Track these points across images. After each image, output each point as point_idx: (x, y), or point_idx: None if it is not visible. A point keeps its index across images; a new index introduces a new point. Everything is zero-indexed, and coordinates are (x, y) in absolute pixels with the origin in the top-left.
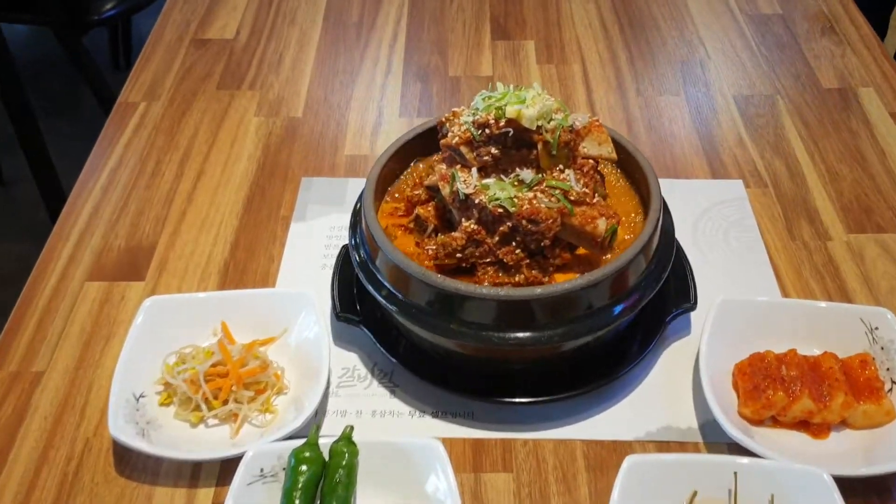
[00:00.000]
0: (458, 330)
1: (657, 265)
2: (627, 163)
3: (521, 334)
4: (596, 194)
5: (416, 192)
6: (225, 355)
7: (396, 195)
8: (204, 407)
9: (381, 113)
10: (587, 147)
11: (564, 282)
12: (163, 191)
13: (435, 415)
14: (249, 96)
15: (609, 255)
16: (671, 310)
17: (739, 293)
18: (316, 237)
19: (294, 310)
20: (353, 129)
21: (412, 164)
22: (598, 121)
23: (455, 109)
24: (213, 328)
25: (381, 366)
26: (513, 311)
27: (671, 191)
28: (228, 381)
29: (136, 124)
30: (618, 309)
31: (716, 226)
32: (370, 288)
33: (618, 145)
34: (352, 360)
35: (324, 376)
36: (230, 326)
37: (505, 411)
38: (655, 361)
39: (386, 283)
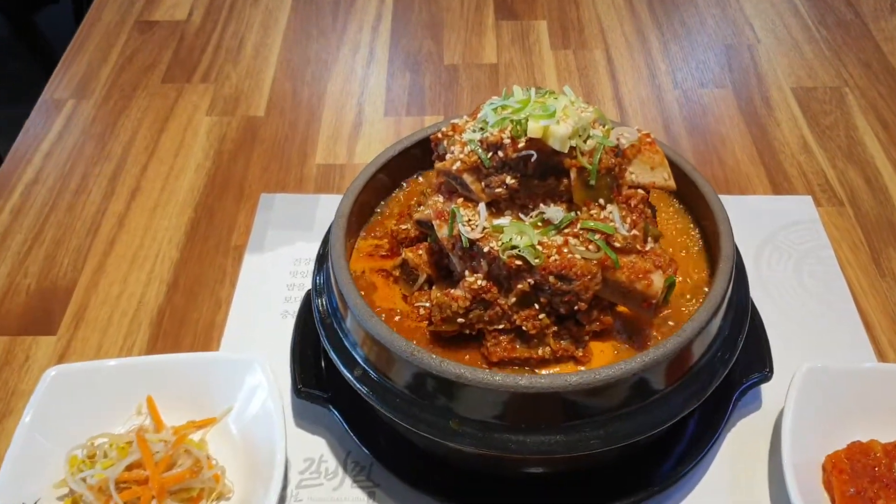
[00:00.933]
0: (460, 431)
1: (731, 332)
2: (682, 189)
3: (546, 438)
4: (648, 236)
5: (404, 227)
6: (145, 455)
7: (377, 229)
8: None
9: (361, 111)
10: (636, 173)
11: (611, 366)
12: (88, 213)
13: None
14: (201, 91)
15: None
16: (740, 381)
17: (822, 353)
18: (276, 274)
19: (241, 381)
20: (327, 132)
21: (399, 188)
22: (649, 136)
23: (455, 121)
24: (137, 404)
25: (357, 456)
26: (537, 407)
27: None
28: (148, 492)
29: (60, 128)
30: (681, 398)
31: (783, 257)
32: (338, 363)
33: (673, 167)
34: (317, 447)
35: (279, 473)
36: (159, 402)
37: None
38: (717, 449)
39: (359, 359)
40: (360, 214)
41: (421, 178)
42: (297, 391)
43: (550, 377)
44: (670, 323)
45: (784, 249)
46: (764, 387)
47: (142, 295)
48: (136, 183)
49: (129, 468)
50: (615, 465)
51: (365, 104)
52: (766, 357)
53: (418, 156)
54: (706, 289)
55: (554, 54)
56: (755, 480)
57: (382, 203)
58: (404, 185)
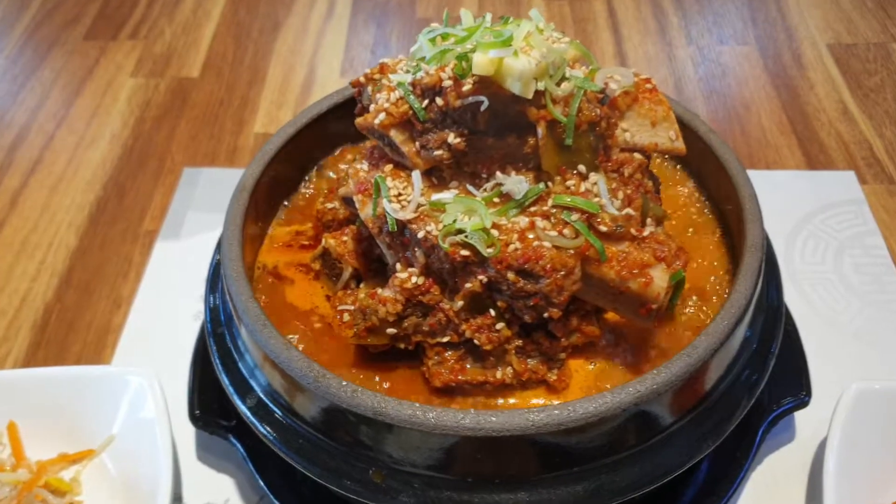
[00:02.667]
0: (384, 486)
1: (760, 345)
2: (694, 156)
3: (503, 497)
4: (647, 217)
5: (331, 206)
6: None
7: (303, 212)
8: None
9: (313, 71)
10: (631, 130)
11: (594, 398)
12: None
13: None
14: (128, 49)
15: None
16: (769, 407)
17: (870, 369)
18: (192, 266)
19: (128, 404)
20: (271, 96)
21: (330, 156)
22: (650, 81)
23: (385, 61)
24: None
25: (272, 499)
26: (490, 456)
27: None
28: None
29: None
30: (692, 438)
31: (821, 246)
32: (228, 388)
33: (682, 127)
34: (223, 488)
35: None
36: (25, 429)
37: None
38: (739, 495)
39: (254, 385)
40: (273, 190)
41: (348, 157)
42: (193, 417)
43: (507, 415)
44: (686, 333)
45: (821, 237)
46: (798, 413)
47: (27, 291)
48: (38, 154)
49: None
50: None
51: (318, 63)
52: (802, 376)
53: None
54: (726, 290)
55: (546, 5)
56: None
57: (308, 175)
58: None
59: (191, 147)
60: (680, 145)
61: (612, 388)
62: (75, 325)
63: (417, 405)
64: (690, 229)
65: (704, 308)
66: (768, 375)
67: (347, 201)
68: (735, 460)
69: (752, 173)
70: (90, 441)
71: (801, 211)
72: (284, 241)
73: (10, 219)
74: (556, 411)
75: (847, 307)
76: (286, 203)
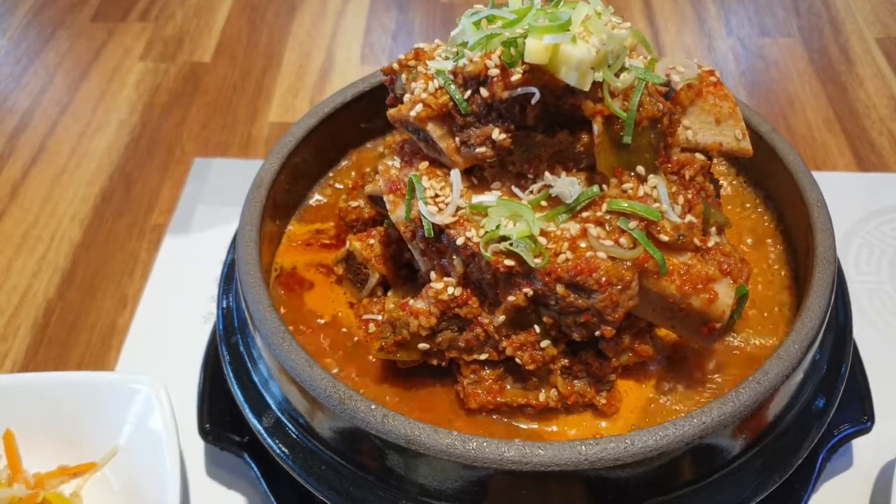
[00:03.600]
0: None
1: (829, 369)
2: (754, 158)
3: None
4: (709, 225)
5: (354, 204)
6: None
7: (324, 209)
8: None
9: (331, 57)
10: (694, 128)
11: (652, 430)
12: None
13: None
14: (137, 32)
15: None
16: (831, 433)
17: None
18: (202, 261)
19: (133, 413)
20: (287, 82)
21: (354, 149)
22: (714, 74)
23: (420, 46)
24: None
25: None
26: (534, 491)
27: None
28: None
29: None
30: (756, 473)
31: (875, 253)
32: (243, 405)
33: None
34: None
35: None
36: (23, 439)
37: None
38: None
39: (271, 402)
40: (292, 185)
41: (389, 138)
42: (203, 431)
43: (556, 447)
44: (735, 351)
45: (876, 244)
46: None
47: (27, 288)
48: (41, 142)
49: None
50: None
51: (337, 48)
52: (864, 399)
53: (381, 108)
54: (786, 304)
55: None
56: None
57: (329, 172)
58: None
59: (202, 136)
60: (747, 145)
61: (674, 419)
62: (78, 324)
63: (456, 434)
64: (748, 242)
65: (760, 326)
66: (838, 401)
67: (375, 200)
68: (793, 491)
69: None
70: (92, 453)
71: (853, 216)
72: (303, 239)
73: (10, 210)
74: (612, 444)
75: None
76: (305, 199)
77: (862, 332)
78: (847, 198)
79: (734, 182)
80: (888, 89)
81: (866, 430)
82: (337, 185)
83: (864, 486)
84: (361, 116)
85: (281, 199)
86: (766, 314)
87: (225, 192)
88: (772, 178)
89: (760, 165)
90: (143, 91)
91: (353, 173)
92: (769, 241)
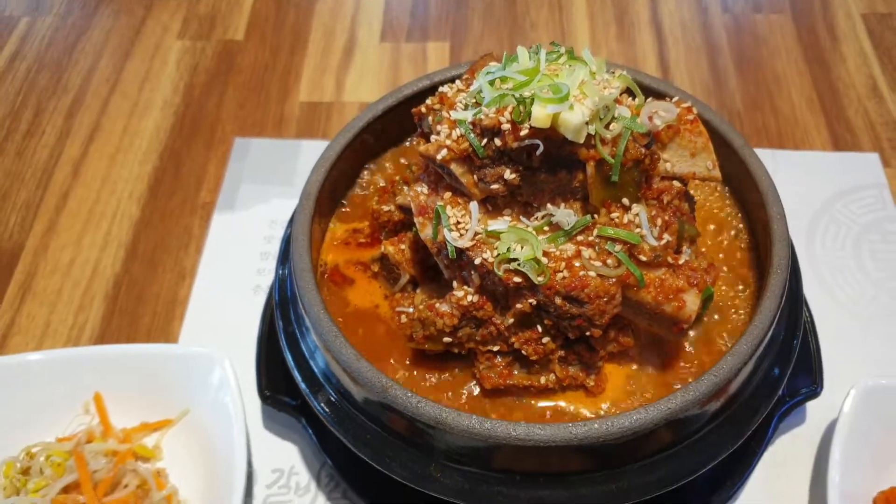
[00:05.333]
0: (441, 479)
1: (783, 344)
2: (729, 168)
3: (545, 493)
4: (682, 242)
5: (386, 209)
6: (82, 477)
7: (357, 209)
8: None
9: (353, 36)
10: (672, 161)
11: (629, 414)
12: (40, 159)
13: None
14: (173, 9)
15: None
16: (783, 399)
17: (883, 360)
18: (248, 238)
19: (201, 379)
20: (314, 61)
21: (386, 152)
22: (691, 112)
23: (443, 90)
24: (84, 402)
25: (333, 469)
26: (535, 460)
27: (773, 169)
28: None
29: (11, 52)
30: (716, 442)
31: (841, 231)
32: (300, 383)
33: (721, 143)
34: (288, 457)
35: (240, 489)
36: (109, 399)
37: None
38: (751, 473)
39: (324, 382)
40: (334, 190)
41: (411, 145)
42: (263, 396)
43: (553, 428)
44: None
45: (843, 222)
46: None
47: (97, 262)
48: (95, 121)
49: (67, 489)
50: None
51: (359, 27)
52: (815, 368)
53: (407, 118)
54: (751, 298)
55: None
56: None
57: (363, 171)
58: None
59: (239, 116)
60: (716, 174)
61: (646, 405)
62: (144, 296)
63: (474, 417)
64: (711, 226)
65: (731, 313)
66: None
67: (405, 210)
68: (749, 448)
69: (779, 154)
70: (168, 412)
71: (824, 194)
72: (342, 238)
73: (74, 189)
74: (596, 425)
75: (862, 294)
76: (342, 202)
77: (822, 305)
78: (821, 177)
79: (718, 188)
80: (868, 68)
81: (816, 395)
82: (365, 188)
83: (812, 441)
84: (388, 128)
85: (324, 205)
86: (733, 294)
87: (264, 171)
88: (744, 189)
89: (735, 175)
90: (183, 70)
91: (386, 169)
92: (735, 234)
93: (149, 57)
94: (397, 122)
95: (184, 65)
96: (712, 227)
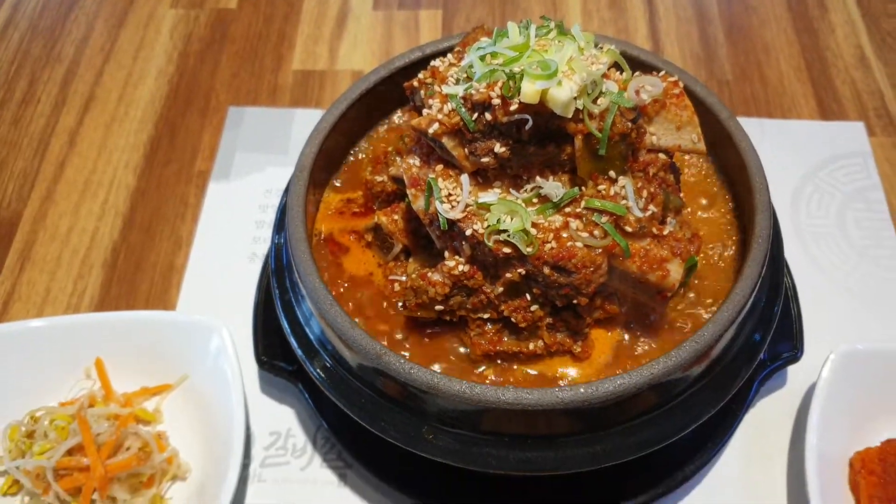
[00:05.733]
0: (434, 442)
1: (764, 309)
2: (714, 139)
3: (533, 455)
4: (667, 213)
5: (379, 179)
6: (86, 440)
7: (351, 179)
8: None
9: (346, 3)
10: (658, 134)
11: (613, 380)
12: (36, 128)
13: None
14: None
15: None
16: (763, 364)
17: (861, 325)
18: (243, 207)
19: (199, 345)
20: (307, 29)
21: (377, 126)
22: (677, 85)
23: (435, 65)
24: (85, 367)
25: (328, 432)
26: (523, 423)
27: (760, 138)
28: (90, 481)
29: (4, 20)
30: (696, 405)
31: (825, 199)
32: (297, 349)
33: (707, 114)
34: (285, 419)
35: (238, 450)
36: (109, 365)
37: None
38: (732, 434)
39: (319, 348)
40: (328, 161)
41: (402, 116)
42: (260, 361)
43: (540, 392)
44: (690, 296)
45: (827, 190)
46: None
47: (94, 230)
48: (90, 91)
49: (70, 452)
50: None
51: None
52: (796, 333)
53: (399, 89)
54: (733, 261)
55: None
56: (772, 471)
57: (359, 141)
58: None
59: (233, 85)
60: (701, 147)
61: (630, 371)
62: (142, 264)
63: (465, 383)
64: (703, 200)
65: (716, 280)
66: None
67: (397, 180)
68: (730, 411)
69: (766, 123)
70: (167, 377)
71: (810, 163)
72: (337, 207)
73: (70, 158)
74: (582, 390)
75: (845, 261)
76: (336, 173)
77: (805, 272)
78: (807, 145)
79: (705, 160)
80: (855, 37)
81: (796, 360)
82: (358, 158)
83: (793, 403)
84: (381, 99)
85: (318, 176)
86: (718, 255)
87: (258, 140)
88: (729, 160)
89: (720, 147)
90: (177, 39)
91: (378, 139)
92: (720, 203)
93: (142, 26)
94: (390, 94)
95: (177, 34)
96: (704, 201)
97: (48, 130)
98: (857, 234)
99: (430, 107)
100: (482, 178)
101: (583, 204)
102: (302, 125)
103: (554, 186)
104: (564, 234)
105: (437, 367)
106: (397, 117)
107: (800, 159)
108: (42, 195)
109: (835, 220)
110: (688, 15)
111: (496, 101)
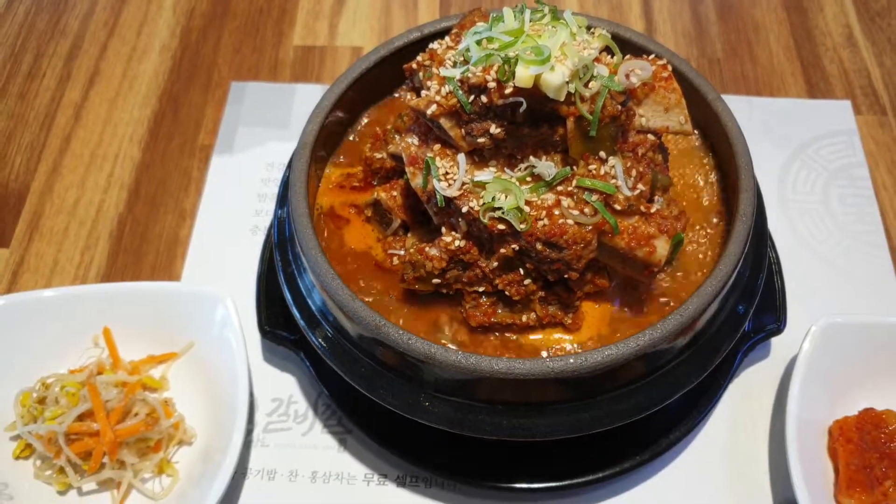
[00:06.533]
0: (430, 409)
1: (748, 281)
2: (702, 119)
3: (525, 421)
4: (654, 191)
5: (378, 156)
6: (96, 406)
7: (350, 154)
8: (71, 472)
9: None
10: (647, 115)
11: (601, 350)
12: (42, 102)
13: (402, 481)
14: None
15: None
16: (747, 336)
17: (842, 298)
18: (246, 181)
19: (204, 315)
20: (307, 4)
21: (375, 103)
22: (666, 68)
23: (433, 47)
24: (94, 336)
25: (329, 398)
26: (516, 391)
27: (749, 116)
28: (100, 446)
29: None
30: (681, 375)
31: (812, 175)
32: (299, 320)
33: (694, 94)
34: (287, 386)
35: (242, 416)
36: (117, 334)
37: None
38: (717, 402)
39: (321, 319)
40: (329, 138)
41: (401, 95)
42: (263, 331)
43: (531, 363)
44: (678, 274)
45: (813, 167)
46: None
47: (100, 203)
48: (94, 66)
49: (81, 417)
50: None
51: None
52: (779, 306)
53: (398, 68)
54: (720, 233)
55: None
56: (755, 438)
57: (360, 118)
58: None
59: (235, 60)
60: (688, 128)
61: (617, 342)
62: (147, 236)
63: (460, 353)
64: (697, 176)
65: (701, 255)
66: (754, 307)
67: (396, 158)
68: (715, 381)
69: (755, 100)
70: (172, 345)
71: (797, 140)
72: (337, 181)
73: (76, 131)
74: (572, 360)
75: (828, 236)
76: (337, 148)
77: (790, 246)
78: (795, 123)
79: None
80: (844, 16)
81: (779, 332)
82: (358, 135)
83: (775, 372)
84: (380, 79)
85: (319, 151)
86: (701, 230)
87: (260, 115)
88: (716, 139)
89: (709, 126)
90: (179, 14)
91: (377, 117)
92: (709, 177)
93: (145, 1)
94: (389, 73)
95: (180, 9)
96: (699, 176)
97: (54, 104)
98: (841, 210)
99: (428, 88)
100: (478, 157)
101: (574, 183)
102: (303, 100)
103: (547, 166)
104: (556, 212)
105: (433, 338)
106: (397, 95)
107: (787, 137)
108: (49, 168)
109: (820, 197)
110: None
111: (492, 85)
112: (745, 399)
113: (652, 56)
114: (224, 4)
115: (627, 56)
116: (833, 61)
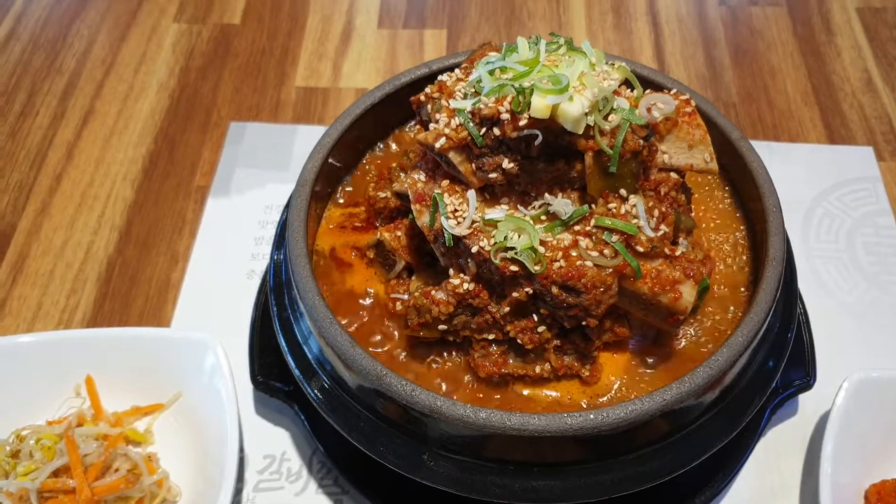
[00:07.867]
0: (434, 467)
1: (777, 335)
2: (726, 160)
3: (538, 484)
4: (678, 233)
5: (382, 195)
6: (73, 461)
7: (354, 193)
8: None
9: (351, 21)
10: (670, 153)
11: (623, 406)
12: (33, 140)
13: None
14: None
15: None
16: (776, 391)
17: (874, 352)
18: (243, 223)
19: (193, 363)
20: (311, 47)
21: (381, 140)
22: (690, 104)
23: (443, 79)
24: (76, 385)
25: (324, 456)
26: (529, 450)
27: (769, 161)
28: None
29: (6, 32)
30: (709, 433)
31: (835, 224)
32: (294, 369)
33: (718, 133)
34: (280, 442)
35: (231, 474)
36: (100, 383)
37: None
38: (744, 464)
39: (317, 368)
40: (330, 176)
41: (408, 131)
42: (255, 381)
43: (548, 418)
44: (705, 322)
45: (836, 215)
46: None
47: (89, 244)
48: (89, 104)
49: (56, 473)
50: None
51: (356, 13)
52: (808, 360)
53: (404, 105)
54: (745, 284)
55: None
56: (785, 502)
57: (364, 157)
58: (384, 141)
59: (235, 100)
60: (714, 167)
61: (642, 397)
62: (137, 279)
63: (469, 406)
64: (716, 220)
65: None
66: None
67: (401, 196)
68: (742, 440)
69: (774, 146)
70: (160, 396)
71: (819, 187)
72: (338, 222)
73: (67, 171)
74: (592, 416)
75: (854, 287)
76: (339, 187)
77: (816, 297)
78: (816, 169)
79: (717, 180)
80: (863, 62)
81: (809, 388)
82: (361, 173)
83: (805, 432)
84: (385, 115)
85: (320, 190)
86: (726, 289)
87: (259, 156)
88: (741, 181)
89: (732, 167)
90: (179, 54)
91: (382, 155)
92: (734, 225)
93: (145, 40)
94: (395, 110)
95: (180, 48)
96: (717, 220)
97: (46, 143)
98: (867, 260)
99: (437, 121)
100: (489, 194)
101: (592, 222)
102: (304, 141)
103: (563, 204)
104: (574, 253)
105: (439, 390)
106: (403, 132)
107: (809, 183)
108: (37, 208)
109: (844, 246)
110: (693, 37)
111: (505, 116)
112: (773, 460)
113: (674, 91)
114: (225, 45)
115: (647, 91)
116: (853, 107)
